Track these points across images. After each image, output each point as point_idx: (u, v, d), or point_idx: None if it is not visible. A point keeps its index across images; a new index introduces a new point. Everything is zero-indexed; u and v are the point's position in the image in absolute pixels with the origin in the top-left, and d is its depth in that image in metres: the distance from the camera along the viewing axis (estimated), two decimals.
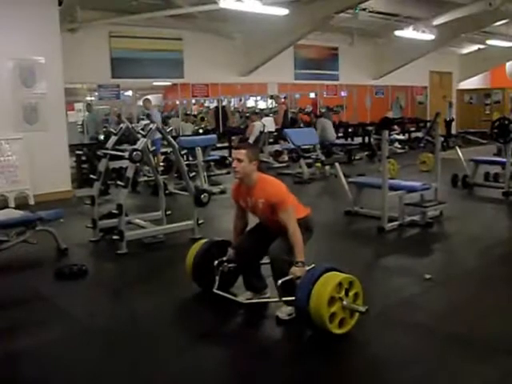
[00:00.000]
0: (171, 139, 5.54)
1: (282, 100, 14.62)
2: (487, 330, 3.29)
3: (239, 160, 3.46)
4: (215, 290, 3.73)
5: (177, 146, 5.53)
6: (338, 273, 3.23)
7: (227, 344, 3.32)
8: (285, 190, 3.52)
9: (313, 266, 3.34)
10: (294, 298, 3.21)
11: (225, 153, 11.47)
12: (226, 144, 12.42)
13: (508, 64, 18.20)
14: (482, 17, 12.04)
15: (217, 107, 14.00)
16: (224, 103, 14.69)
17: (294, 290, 3.22)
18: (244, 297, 3.73)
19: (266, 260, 3.80)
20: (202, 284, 3.92)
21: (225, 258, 3.76)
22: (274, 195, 3.43)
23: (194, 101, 15.84)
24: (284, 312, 3.44)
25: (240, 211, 3.77)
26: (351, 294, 3.21)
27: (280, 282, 3.31)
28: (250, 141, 10.94)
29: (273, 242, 3.49)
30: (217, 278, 3.74)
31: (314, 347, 3.16)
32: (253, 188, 3.53)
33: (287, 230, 3.37)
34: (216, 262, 3.74)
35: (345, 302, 3.15)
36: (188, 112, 15.08)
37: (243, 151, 3.48)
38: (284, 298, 3.36)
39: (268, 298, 3.72)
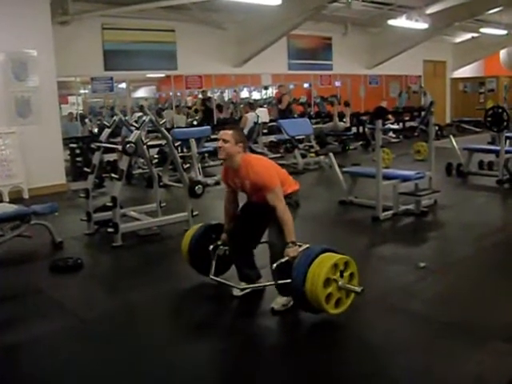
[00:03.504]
0: (165, 131, 5.53)
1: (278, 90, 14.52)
2: (481, 316, 3.32)
3: (225, 140, 3.45)
4: (211, 276, 3.73)
5: (170, 138, 5.53)
6: (333, 254, 3.24)
7: (223, 335, 3.33)
8: (271, 170, 3.48)
9: (307, 246, 3.35)
10: (290, 280, 3.21)
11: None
12: None
13: (502, 52, 18.19)
14: (476, 5, 12.01)
15: (210, 98, 13.93)
16: (217, 94, 14.63)
17: (290, 273, 3.22)
18: (238, 288, 3.72)
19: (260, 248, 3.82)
20: (199, 268, 3.93)
21: (219, 242, 3.76)
22: (259, 178, 3.40)
23: (187, 92, 15.79)
24: (279, 303, 3.44)
25: (231, 194, 3.76)
26: (347, 274, 3.23)
27: (275, 265, 3.30)
28: (244, 132, 10.90)
29: (269, 227, 3.49)
30: (213, 262, 3.75)
31: (309, 336, 3.18)
32: (238, 170, 3.51)
33: (275, 211, 3.35)
34: (211, 247, 3.75)
35: (340, 283, 3.17)
36: (182, 104, 15.03)
37: (229, 132, 3.48)
38: (280, 281, 3.33)
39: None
